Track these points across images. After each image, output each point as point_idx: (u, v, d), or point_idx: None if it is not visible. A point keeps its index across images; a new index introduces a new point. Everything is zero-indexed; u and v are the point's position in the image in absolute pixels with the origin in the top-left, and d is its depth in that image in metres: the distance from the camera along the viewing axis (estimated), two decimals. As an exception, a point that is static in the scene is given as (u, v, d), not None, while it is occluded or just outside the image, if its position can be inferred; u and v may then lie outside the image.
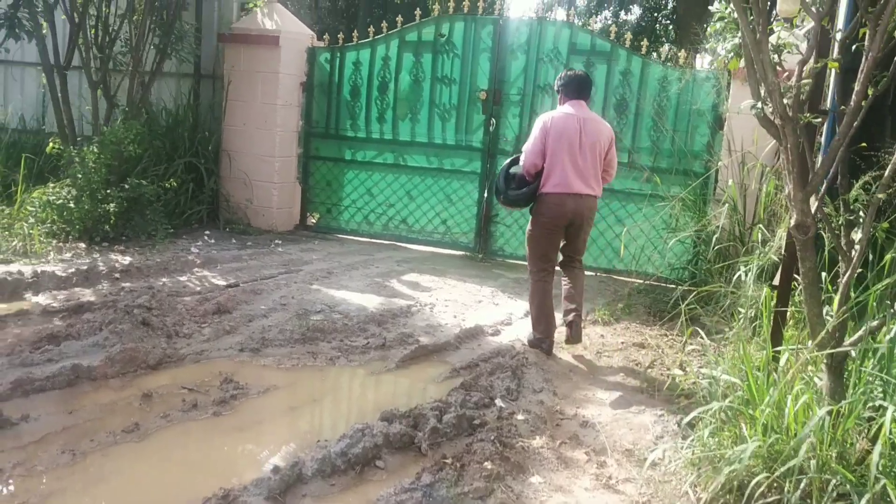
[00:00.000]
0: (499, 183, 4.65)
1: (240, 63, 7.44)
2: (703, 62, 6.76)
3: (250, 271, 5.71)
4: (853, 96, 2.71)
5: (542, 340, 4.46)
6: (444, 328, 4.78)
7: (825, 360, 2.83)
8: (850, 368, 2.88)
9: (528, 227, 4.56)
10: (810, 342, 2.91)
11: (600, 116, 4.85)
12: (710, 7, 19.05)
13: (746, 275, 4.82)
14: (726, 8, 3.61)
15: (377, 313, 4.89)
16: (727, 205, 5.35)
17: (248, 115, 7.45)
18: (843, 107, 2.77)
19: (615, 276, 6.53)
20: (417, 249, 7.16)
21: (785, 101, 2.71)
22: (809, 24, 3.66)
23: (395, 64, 7.13)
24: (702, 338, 3.81)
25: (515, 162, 4.65)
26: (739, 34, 3.18)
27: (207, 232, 7.02)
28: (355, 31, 7.44)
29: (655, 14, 20.39)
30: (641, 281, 6.02)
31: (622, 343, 4.74)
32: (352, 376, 3.97)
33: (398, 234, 7.34)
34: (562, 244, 4.61)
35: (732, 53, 3.47)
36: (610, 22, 19.95)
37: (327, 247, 6.96)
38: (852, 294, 3.00)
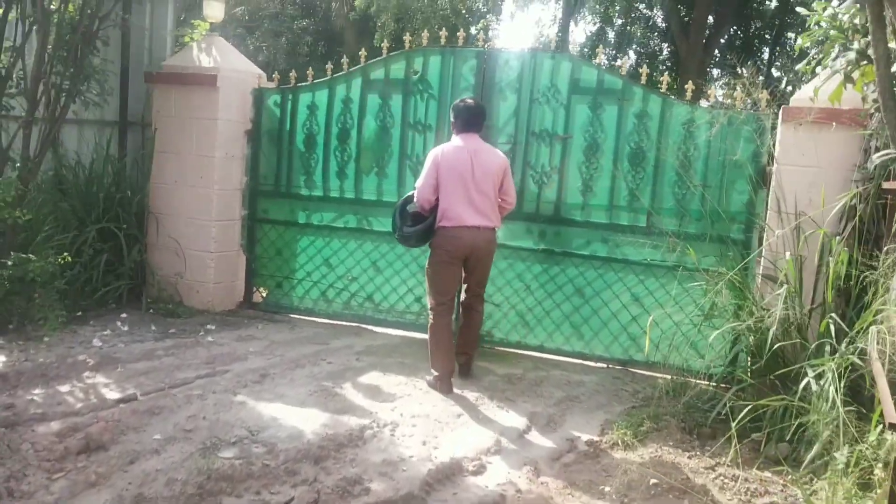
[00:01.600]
0: (394, 219, 4.81)
1: (171, 107, 6.34)
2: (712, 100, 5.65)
3: (159, 375, 4.48)
4: None
5: (441, 379, 4.61)
6: (407, 464, 3.54)
7: None
8: None
9: (427, 261, 4.75)
10: None
11: (493, 147, 4.88)
12: (714, 53, 18.45)
13: (819, 384, 3.67)
14: (824, 9, 2.48)
15: (316, 442, 3.66)
16: (784, 285, 4.17)
17: (180, 169, 6.31)
18: None
19: (633, 370, 5.33)
20: (385, 334, 5.94)
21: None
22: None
23: (357, 107, 6.02)
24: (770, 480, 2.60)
25: (411, 199, 4.76)
26: (850, 49, 2.07)
27: (124, 315, 5.80)
28: (310, 69, 6.32)
29: (652, 61, 19.59)
30: (667, 377, 4.81)
31: (655, 486, 3.50)
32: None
33: (362, 314, 6.14)
34: (464, 278, 4.78)
35: (840, 74, 2.33)
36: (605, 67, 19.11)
37: (273, 332, 5.74)
38: None
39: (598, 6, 19.86)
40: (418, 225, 4.65)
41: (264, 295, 6.55)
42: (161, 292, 6.32)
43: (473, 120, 4.70)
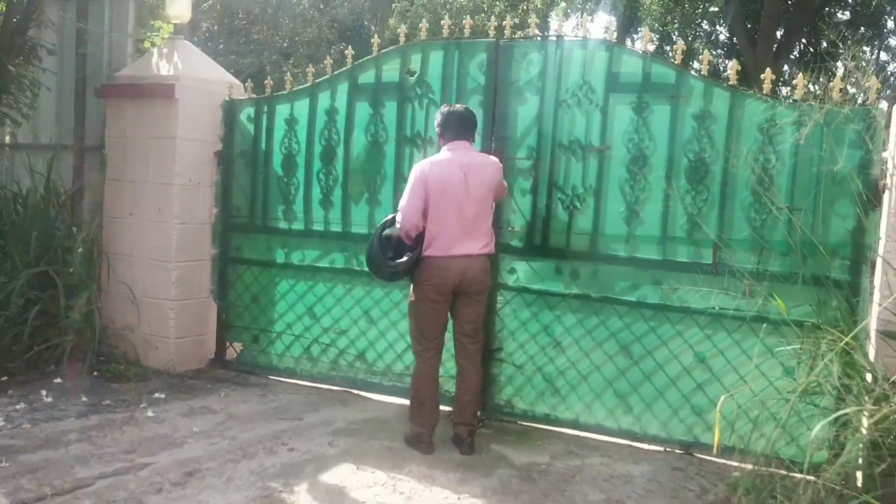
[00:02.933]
0: (372, 252, 4.11)
1: (125, 126, 5.41)
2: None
3: (52, 473, 3.43)
4: None
5: (419, 437, 4.04)
6: None
7: None
8: None
9: (411, 298, 4.12)
10: None
11: (486, 155, 4.23)
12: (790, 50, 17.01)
13: None
14: None
15: None
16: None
17: (135, 200, 5.36)
18: None
19: (699, 456, 4.07)
20: (379, 402, 4.81)
21: None
22: None
23: (344, 119, 4.97)
24: None
25: (390, 224, 4.13)
26: None
27: (58, 381, 4.82)
28: (287, 74, 5.32)
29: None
30: (747, 467, 3.55)
31: None
32: None
33: (353, 375, 5.01)
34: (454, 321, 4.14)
35: None
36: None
37: (236, 402, 4.66)
38: None
39: (656, 24, 18.68)
40: (403, 257, 4.01)
41: (239, 351, 5.50)
42: (114, 350, 5.34)
43: (465, 128, 4.09)
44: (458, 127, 4.05)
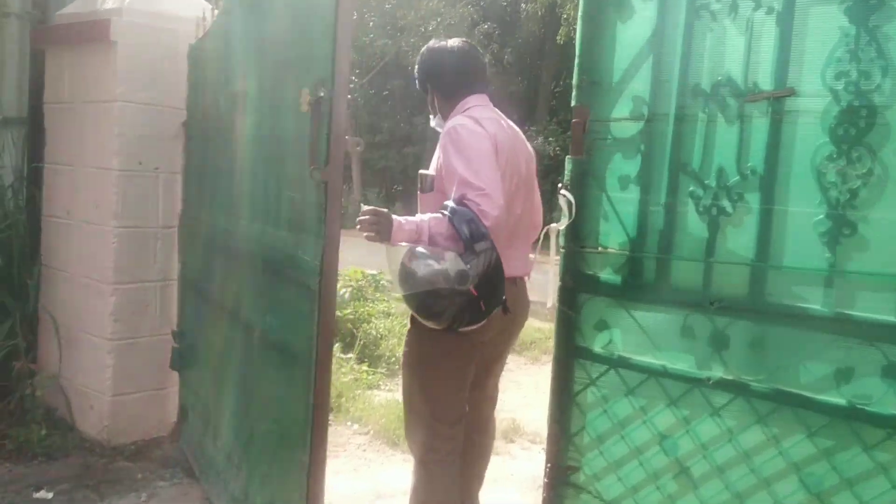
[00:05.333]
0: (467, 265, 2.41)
1: (63, 86, 3.95)
2: None
3: None
4: None
5: None
6: None
7: None
8: None
9: (425, 349, 2.63)
10: None
11: None
12: None
13: None
14: None
15: None
16: None
17: (73, 192, 3.91)
18: None
19: None
20: None
21: None
22: None
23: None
24: None
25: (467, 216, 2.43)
26: None
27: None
28: None
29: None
30: None
31: None
32: None
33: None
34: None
35: None
36: None
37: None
38: None
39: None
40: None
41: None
42: (44, 405, 3.90)
43: (484, 74, 2.86)
44: (482, 70, 2.81)
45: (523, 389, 5.29)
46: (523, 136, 2.89)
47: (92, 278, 3.76)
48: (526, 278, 2.85)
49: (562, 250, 2.57)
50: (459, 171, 2.45)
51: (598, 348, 2.54)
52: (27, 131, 4.28)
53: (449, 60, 2.77)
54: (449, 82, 2.76)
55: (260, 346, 2.67)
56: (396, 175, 23.72)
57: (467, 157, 2.47)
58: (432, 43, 2.88)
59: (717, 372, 2.29)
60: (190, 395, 3.73)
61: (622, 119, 2.47)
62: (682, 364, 2.36)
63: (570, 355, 2.55)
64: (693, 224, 2.36)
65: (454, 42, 2.82)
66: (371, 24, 23.35)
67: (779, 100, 2.19)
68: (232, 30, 3.12)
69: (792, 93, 2.18)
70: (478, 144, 2.50)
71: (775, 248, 2.21)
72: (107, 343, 3.70)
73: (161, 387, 3.91)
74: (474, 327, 2.49)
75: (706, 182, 2.32)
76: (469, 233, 2.38)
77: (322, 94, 2.11)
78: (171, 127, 3.79)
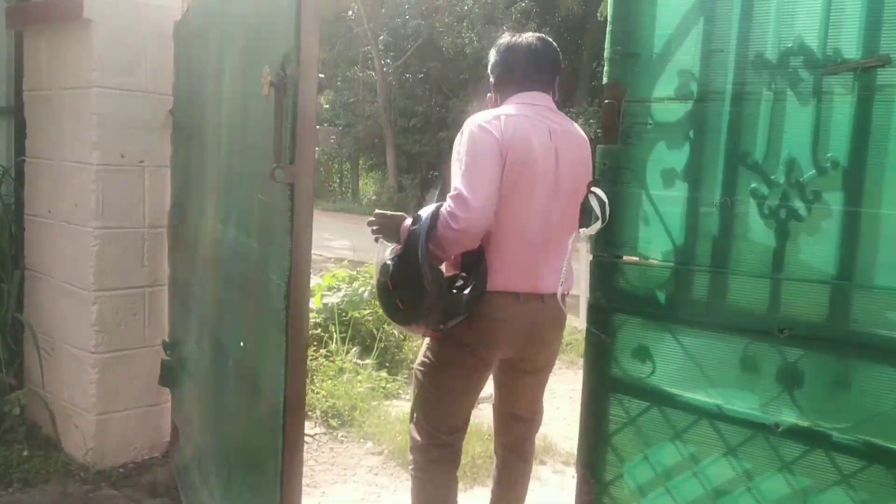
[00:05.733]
0: (433, 280, 2.31)
1: (41, 71, 3.60)
2: None
3: None
4: None
5: None
6: None
7: None
8: None
9: (427, 356, 2.59)
10: None
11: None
12: None
13: None
14: None
15: None
16: None
17: (54, 189, 3.57)
18: None
19: None
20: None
21: None
22: None
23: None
24: None
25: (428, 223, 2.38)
26: None
27: None
28: None
29: None
30: None
31: None
32: None
33: None
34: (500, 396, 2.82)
35: None
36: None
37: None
38: None
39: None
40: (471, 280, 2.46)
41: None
42: (27, 422, 3.60)
43: (542, 69, 2.63)
44: (533, 66, 2.61)
45: (557, 399, 4.84)
46: (576, 140, 2.63)
47: (74, 285, 3.41)
48: (557, 295, 2.45)
49: (592, 261, 2.13)
50: (453, 173, 2.44)
51: (637, 381, 2.09)
52: (14, 123, 3.96)
53: (498, 56, 2.69)
54: (497, 77, 2.67)
55: (234, 375, 2.29)
56: (432, 160, 23.25)
57: (461, 160, 2.42)
58: (504, 35, 2.79)
59: (788, 416, 1.84)
60: (179, 414, 3.38)
61: (666, 99, 2.02)
62: (743, 404, 1.91)
63: (603, 388, 2.12)
64: (756, 230, 1.90)
65: (520, 36, 2.70)
66: (406, 4, 22.94)
67: (868, 71, 1.73)
68: (210, 1, 2.73)
69: (885, 62, 1.71)
70: (474, 147, 2.42)
71: (863, 262, 1.76)
72: (90, 356, 3.36)
73: (153, 403, 3.56)
74: (440, 328, 2.44)
75: (772, 177, 1.86)
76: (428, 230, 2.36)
77: (285, 74, 1.70)
78: (158, 115, 3.42)
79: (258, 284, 1.96)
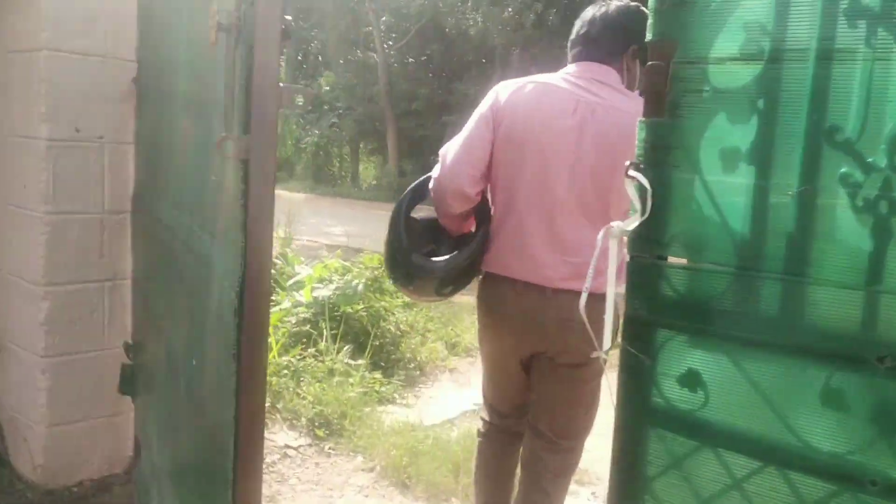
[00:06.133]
0: (395, 237, 2.38)
1: (-11, 34, 3.19)
2: None
3: None
4: None
5: None
6: None
7: None
8: None
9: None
10: None
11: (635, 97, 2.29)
12: None
13: None
14: None
15: None
16: None
17: (1, 170, 3.15)
18: None
19: None
20: None
21: None
22: None
23: None
24: None
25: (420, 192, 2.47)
26: None
27: None
28: None
29: None
30: None
31: None
32: None
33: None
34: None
35: None
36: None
37: None
38: None
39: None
40: (445, 254, 2.36)
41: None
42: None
43: (603, 38, 2.33)
44: (585, 37, 2.38)
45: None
46: (619, 117, 2.27)
47: (22, 278, 3.01)
48: (575, 289, 2.20)
49: (630, 262, 1.73)
50: None
51: (685, 413, 1.69)
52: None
53: (579, 23, 2.52)
54: (570, 44, 2.50)
55: (186, 397, 1.89)
56: (434, 144, 22.81)
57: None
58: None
59: (887, 469, 1.44)
60: (142, 425, 2.98)
61: (728, 59, 1.60)
62: (826, 451, 1.51)
63: (641, 420, 1.71)
64: (846, 227, 1.48)
65: (601, 5, 2.48)
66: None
67: None
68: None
69: None
70: (476, 111, 2.39)
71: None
72: (39, 360, 2.96)
73: (113, 413, 3.16)
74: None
75: (870, 160, 1.43)
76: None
77: (236, 14, 1.28)
78: (120, 84, 3.00)
79: (208, 291, 1.56)
